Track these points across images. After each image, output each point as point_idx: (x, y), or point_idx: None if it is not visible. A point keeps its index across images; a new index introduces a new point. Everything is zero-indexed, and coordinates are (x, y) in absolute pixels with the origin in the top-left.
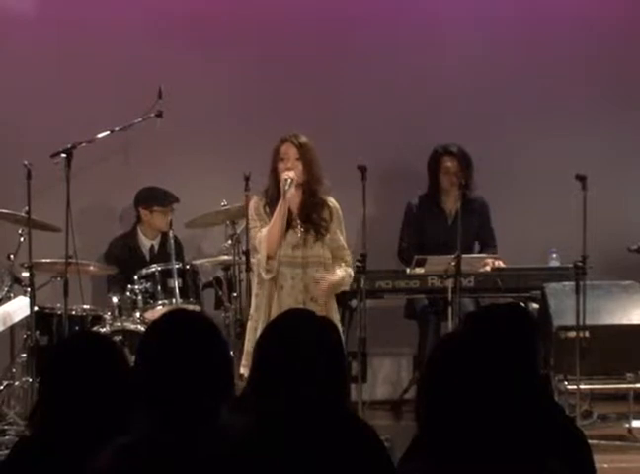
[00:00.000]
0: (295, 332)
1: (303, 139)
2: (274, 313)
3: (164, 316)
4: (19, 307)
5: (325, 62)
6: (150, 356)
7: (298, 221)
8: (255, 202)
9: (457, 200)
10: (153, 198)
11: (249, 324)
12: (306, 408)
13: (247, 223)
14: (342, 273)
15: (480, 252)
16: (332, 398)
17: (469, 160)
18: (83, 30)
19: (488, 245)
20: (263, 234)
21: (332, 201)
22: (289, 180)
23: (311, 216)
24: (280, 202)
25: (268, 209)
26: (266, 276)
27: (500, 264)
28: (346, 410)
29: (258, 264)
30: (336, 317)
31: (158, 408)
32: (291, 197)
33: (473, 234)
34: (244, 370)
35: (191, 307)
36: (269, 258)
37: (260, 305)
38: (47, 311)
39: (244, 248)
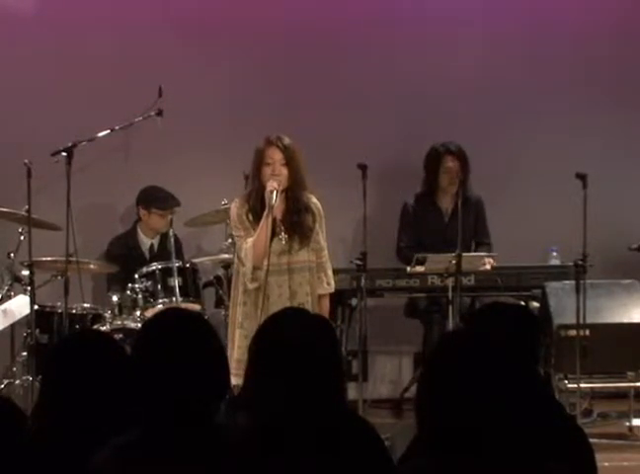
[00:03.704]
0: (291, 330)
1: (287, 141)
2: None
3: (157, 315)
4: (20, 305)
5: (325, 62)
6: (143, 355)
7: (282, 228)
8: (237, 208)
9: (454, 199)
10: (153, 200)
11: (238, 332)
12: (305, 407)
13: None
14: (327, 305)
15: (475, 250)
16: (330, 396)
17: (467, 159)
18: (83, 29)
19: (482, 243)
20: (248, 246)
21: (314, 202)
22: (275, 192)
23: (295, 223)
24: (265, 214)
25: (251, 217)
26: (251, 286)
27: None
28: (344, 408)
29: (243, 275)
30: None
31: (154, 407)
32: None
33: (470, 232)
34: (235, 380)
35: (191, 306)
36: (255, 268)
37: (249, 313)
38: (48, 310)
39: None
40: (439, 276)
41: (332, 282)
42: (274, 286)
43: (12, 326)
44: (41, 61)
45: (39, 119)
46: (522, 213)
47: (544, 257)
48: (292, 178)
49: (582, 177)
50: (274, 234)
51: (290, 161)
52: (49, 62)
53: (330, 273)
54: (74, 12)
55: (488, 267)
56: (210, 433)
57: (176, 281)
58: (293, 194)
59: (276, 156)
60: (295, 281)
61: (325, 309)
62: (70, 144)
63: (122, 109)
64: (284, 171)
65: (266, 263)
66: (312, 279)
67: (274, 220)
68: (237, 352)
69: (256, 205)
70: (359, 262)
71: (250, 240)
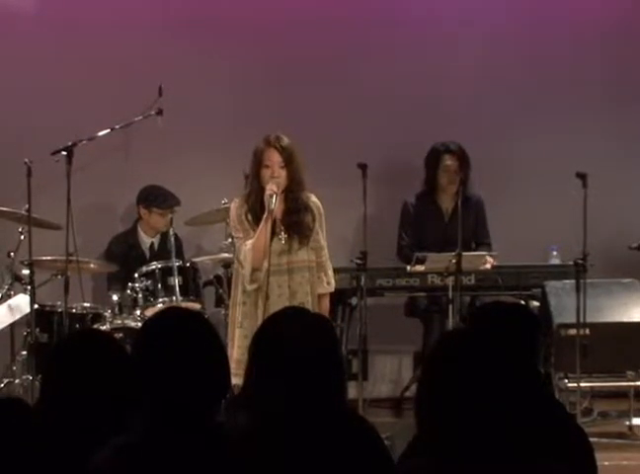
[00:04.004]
0: (291, 330)
1: (285, 142)
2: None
3: (157, 315)
4: (21, 304)
5: (325, 62)
6: (144, 355)
7: (281, 227)
8: (237, 208)
9: (454, 198)
10: (153, 199)
11: (238, 332)
12: (305, 406)
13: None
14: (326, 305)
15: (475, 250)
16: (330, 396)
17: (467, 158)
18: (83, 28)
19: (482, 242)
20: (247, 248)
21: (314, 201)
22: (274, 195)
23: (295, 223)
24: (265, 218)
25: (250, 217)
26: (249, 287)
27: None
28: (344, 407)
29: (242, 277)
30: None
31: (155, 407)
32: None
33: (470, 231)
34: (235, 379)
35: (191, 305)
36: (254, 270)
37: (248, 313)
38: (48, 309)
39: None
40: (439, 275)
41: (332, 282)
42: (274, 286)
43: (12, 325)
44: (42, 60)
45: (39, 119)
46: (522, 213)
47: (544, 256)
48: (291, 178)
49: (582, 177)
50: (273, 234)
51: (289, 162)
52: (50, 60)
53: (330, 272)
54: (74, 12)
55: (488, 266)
56: (210, 432)
57: (176, 281)
58: (293, 194)
59: (274, 158)
60: (295, 281)
61: (325, 308)
62: (70, 144)
63: (122, 108)
64: (283, 173)
65: (266, 264)
66: (312, 279)
67: (273, 221)
68: (237, 351)
69: (255, 207)
70: (359, 261)
71: (249, 242)
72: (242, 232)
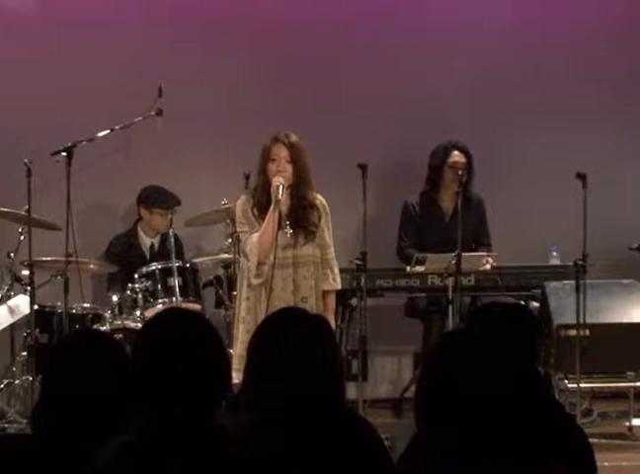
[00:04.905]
0: (289, 331)
1: (294, 139)
2: (264, 316)
3: (158, 315)
4: (21, 304)
5: (325, 61)
6: (145, 355)
7: (287, 222)
8: (242, 204)
9: (454, 198)
10: (154, 199)
11: (241, 327)
12: (305, 407)
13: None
14: (332, 303)
15: (475, 250)
16: (329, 396)
17: (472, 158)
18: (83, 28)
19: (482, 243)
20: (253, 241)
21: (319, 199)
22: (281, 187)
23: (300, 219)
24: (272, 209)
25: (256, 211)
26: (255, 281)
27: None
28: (344, 407)
29: (248, 270)
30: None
31: (155, 406)
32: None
33: (471, 232)
34: (236, 375)
35: (191, 306)
36: (260, 264)
37: (252, 308)
38: (48, 309)
39: None
40: (439, 275)
41: (338, 279)
42: (278, 280)
43: (12, 326)
44: (42, 60)
45: (39, 119)
46: (523, 212)
47: (544, 257)
48: (297, 175)
49: (582, 177)
50: (279, 227)
51: (296, 158)
52: (50, 61)
53: (336, 270)
54: (75, 12)
55: (488, 266)
56: (210, 432)
57: (176, 281)
58: (299, 191)
59: (281, 153)
60: (300, 275)
61: (331, 305)
62: (70, 144)
63: (123, 108)
64: (289, 167)
65: (272, 256)
66: (316, 274)
67: (279, 215)
68: (239, 347)
69: (261, 200)
70: (359, 262)
71: (255, 235)
72: (247, 226)
